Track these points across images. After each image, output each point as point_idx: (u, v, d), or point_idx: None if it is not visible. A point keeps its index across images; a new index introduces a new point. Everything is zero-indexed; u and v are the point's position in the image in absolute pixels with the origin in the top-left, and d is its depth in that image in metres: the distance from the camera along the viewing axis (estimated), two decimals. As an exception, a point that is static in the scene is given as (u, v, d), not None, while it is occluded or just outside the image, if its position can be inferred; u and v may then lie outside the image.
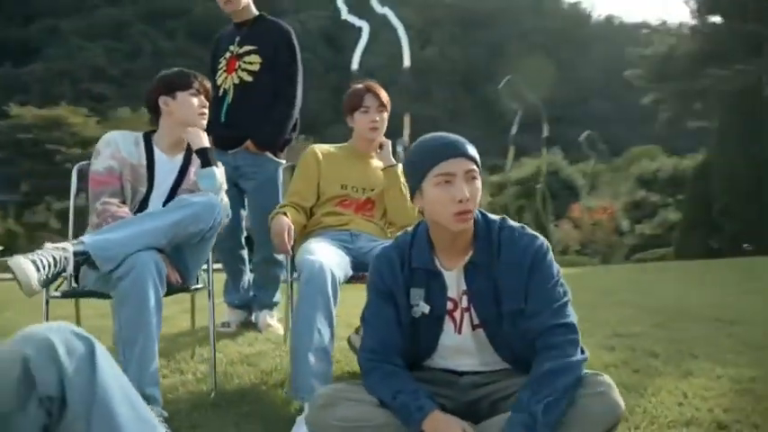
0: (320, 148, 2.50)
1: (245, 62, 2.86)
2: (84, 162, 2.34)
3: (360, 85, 2.48)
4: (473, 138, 1.72)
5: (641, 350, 2.62)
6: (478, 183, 1.48)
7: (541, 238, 1.54)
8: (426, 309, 1.56)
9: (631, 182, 21.96)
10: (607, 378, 1.39)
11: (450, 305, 1.57)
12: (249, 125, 2.82)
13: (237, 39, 2.90)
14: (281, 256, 3.09)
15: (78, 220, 2.31)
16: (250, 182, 2.87)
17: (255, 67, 2.84)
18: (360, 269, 2.13)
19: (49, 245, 1.69)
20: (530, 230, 1.56)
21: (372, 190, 2.45)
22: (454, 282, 1.56)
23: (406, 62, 7.68)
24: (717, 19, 14.12)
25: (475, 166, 1.47)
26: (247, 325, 3.12)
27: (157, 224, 1.84)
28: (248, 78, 2.84)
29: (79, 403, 0.98)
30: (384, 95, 2.46)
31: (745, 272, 7.33)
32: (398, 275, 1.57)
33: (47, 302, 1.99)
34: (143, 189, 2.10)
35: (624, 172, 20.38)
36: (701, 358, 2.44)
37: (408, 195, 2.43)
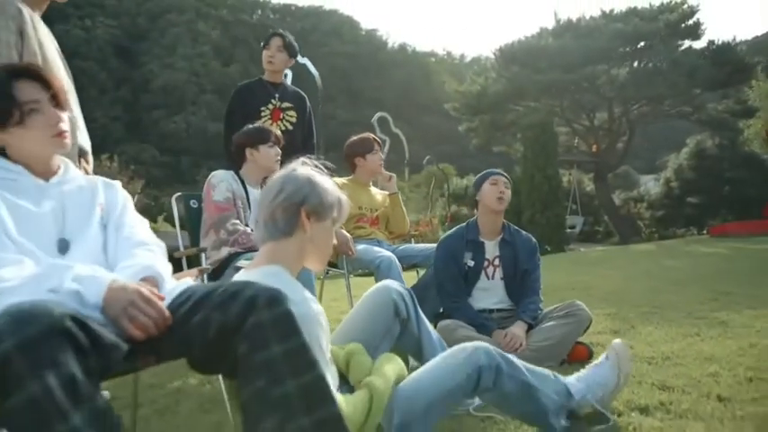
0: (337, 181, 3.41)
1: (288, 115, 3.66)
2: (178, 194, 3.08)
3: (366, 135, 3.50)
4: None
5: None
6: (509, 190, 2.86)
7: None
8: (472, 263, 2.84)
9: (442, 197, 24.94)
10: (582, 303, 2.75)
11: (485, 263, 2.86)
12: None
13: (277, 95, 3.65)
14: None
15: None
16: None
17: (294, 120, 3.67)
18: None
19: None
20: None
21: (376, 210, 3.42)
22: (491, 249, 2.88)
23: (319, 94, 9.16)
24: (516, 68, 17.57)
25: (507, 180, 2.87)
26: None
27: None
28: (290, 128, 3.65)
29: (414, 318, 1.86)
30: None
31: (569, 263, 9.81)
32: (461, 245, 2.84)
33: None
34: (248, 215, 2.93)
35: (425, 188, 22.74)
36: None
37: (406, 213, 3.62)
